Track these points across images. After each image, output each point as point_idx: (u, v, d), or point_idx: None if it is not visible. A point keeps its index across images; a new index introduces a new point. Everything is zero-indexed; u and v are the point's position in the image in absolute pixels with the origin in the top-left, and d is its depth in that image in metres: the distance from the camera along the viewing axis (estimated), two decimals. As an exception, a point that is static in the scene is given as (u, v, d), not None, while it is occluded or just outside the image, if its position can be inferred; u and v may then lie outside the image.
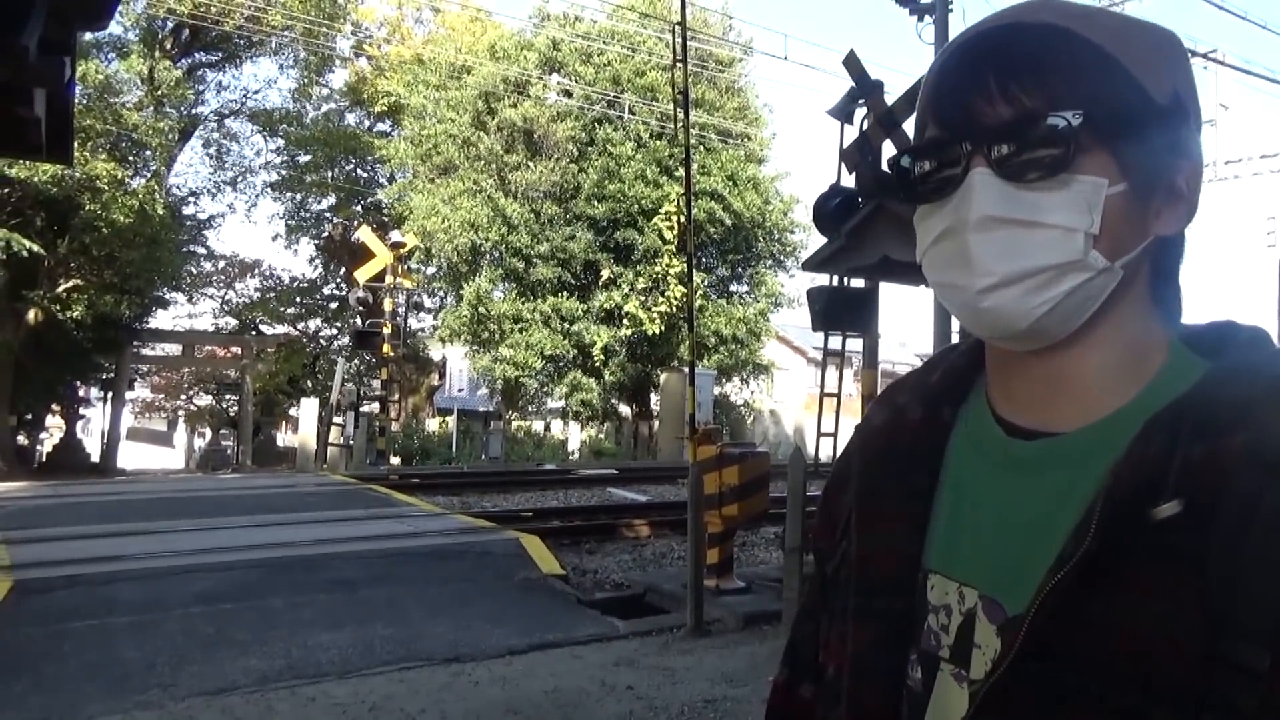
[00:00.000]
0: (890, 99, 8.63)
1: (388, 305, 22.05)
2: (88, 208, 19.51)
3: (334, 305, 31.97)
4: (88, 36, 17.70)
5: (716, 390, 23.42)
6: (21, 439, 24.62)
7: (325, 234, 31.74)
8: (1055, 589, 0.57)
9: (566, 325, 22.20)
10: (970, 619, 0.65)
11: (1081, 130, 0.60)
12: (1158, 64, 0.63)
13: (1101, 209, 0.61)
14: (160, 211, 21.35)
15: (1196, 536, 0.56)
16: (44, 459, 24.94)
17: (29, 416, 25.14)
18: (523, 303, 22.41)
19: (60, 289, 20.85)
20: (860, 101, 8.71)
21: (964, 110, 0.64)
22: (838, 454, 0.85)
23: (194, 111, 26.05)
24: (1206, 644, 0.54)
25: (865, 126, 8.58)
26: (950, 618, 0.66)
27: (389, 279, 21.94)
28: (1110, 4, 18.01)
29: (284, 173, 30.28)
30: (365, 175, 30.92)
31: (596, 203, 22.10)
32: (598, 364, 22.37)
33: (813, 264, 7.94)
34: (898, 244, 6.61)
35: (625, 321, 21.92)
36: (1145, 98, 0.61)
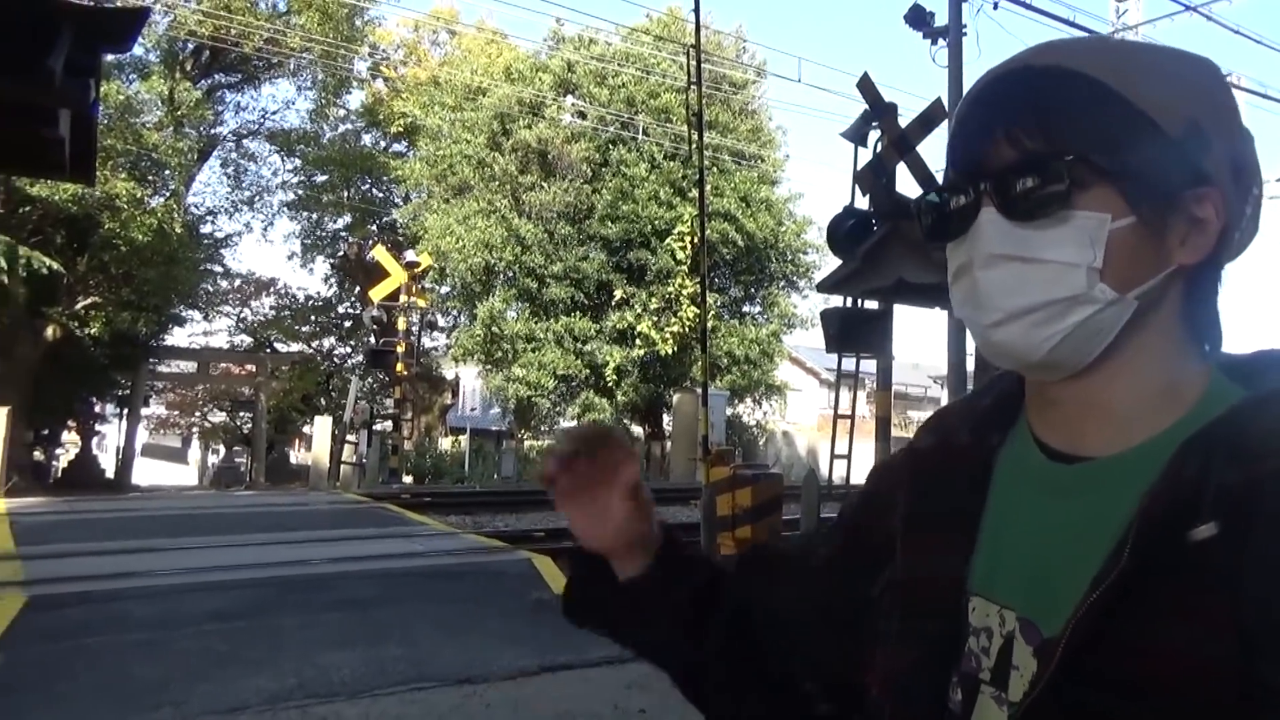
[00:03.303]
0: (904, 121, 8.67)
1: (402, 324, 22.19)
2: (107, 226, 19.73)
3: (348, 324, 32.16)
4: (110, 57, 17.95)
5: (729, 411, 23.37)
6: (38, 454, 24.78)
7: (341, 253, 31.99)
8: (1090, 610, 0.58)
9: (579, 345, 22.24)
10: (1009, 641, 0.66)
11: (1081, 168, 0.62)
12: (1171, 95, 0.64)
13: (1105, 243, 0.62)
14: (178, 230, 21.58)
15: (1232, 559, 0.56)
16: (59, 475, 25.10)
17: (45, 432, 25.32)
18: (536, 322, 22.47)
19: (79, 306, 21.06)
20: (874, 124, 8.74)
21: (974, 155, 0.67)
22: (880, 470, 0.87)
23: (213, 132, 26.37)
24: (1242, 666, 0.54)
25: (879, 149, 8.61)
26: (991, 640, 0.67)
27: (403, 298, 22.08)
28: (1125, 28, 18.06)
29: (300, 192, 30.58)
30: (381, 195, 31.19)
31: (610, 223, 22.19)
32: (610, 384, 22.38)
33: (827, 286, 7.95)
34: (913, 266, 6.61)
35: (638, 342, 21.94)
36: (1153, 130, 0.62)
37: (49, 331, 20.52)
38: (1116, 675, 0.57)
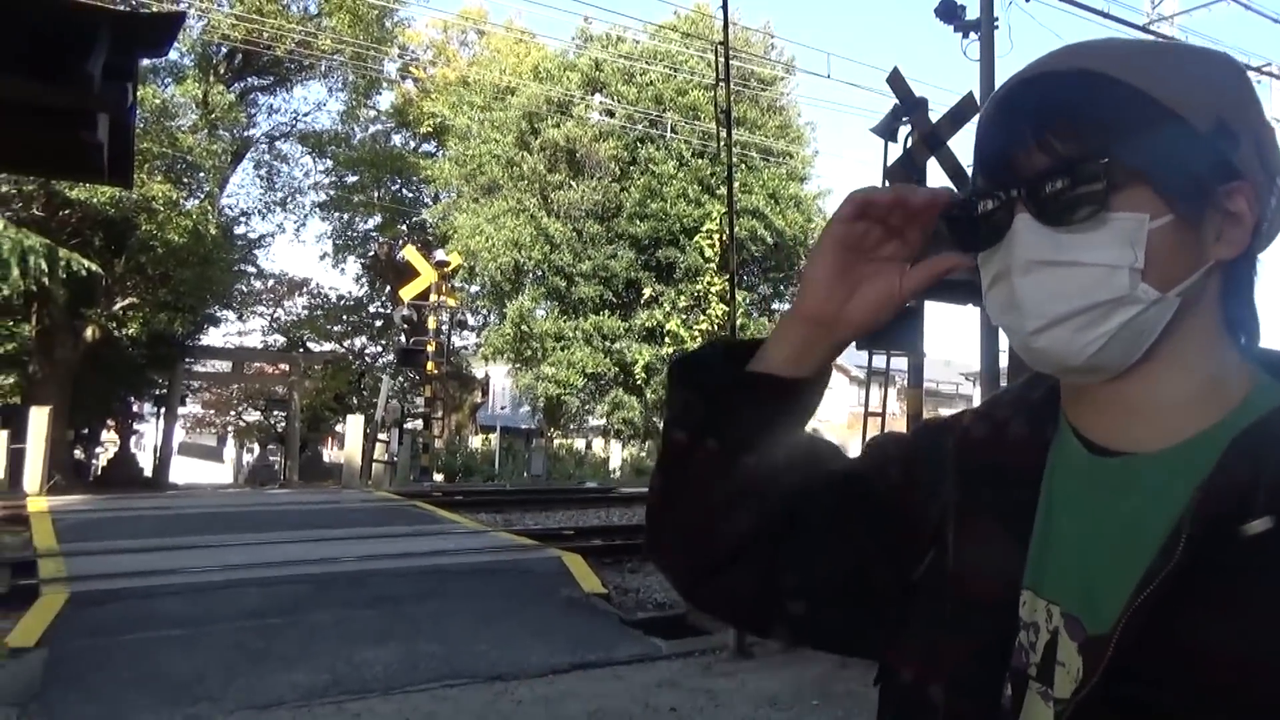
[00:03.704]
0: (935, 116, 8.58)
1: (432, 323, 22.33)
2: (144, 228, 20.07)
3: (379, 323, 32.43)
4: (146, 62, 18.23)
5: (758, 409, 23.28)
6: (78, 453, 25.27)
7: (371, 253, 32.26)
8: (1142, 606, 0.58)
9: (608, 343, 22.29)
10: (1055, 637, 0.66)
11: (1115, 170, 0.62)
12: (1197, 93, 0.64)
13: (1145, 243, 0.62)
14: (213, 231, 21.89)
15: None
16: (99, 473, 25.55)
17: (85, 431, 25.81)
18: (565, 321, 22.54)
19: (117, 307, 21.44)
20: (904, 119, 8.66)
21: (1004, 161, 0.67)
22: (927, 431, 0.82)
23: (246, 134, 26.67)
24: None
25: (910, 144, 8.53)
26: (1038, 635, 0.67)
27: (433, 297, 22.22)
28: (1161, 19, 17.74)
29: (332, 193, 30.87)
30: (411, 195, 31.41)
31: (638, 221, 22.21)
32: (639, 382, 22.40)
33: (857, 282, 7.88)
34: (944, 262, 6.53)
35: (667, 340, 21.93)
36: (1183, 129, 0.62)
37: (88, 332, 20.91)
38: (1168, 671, 0.57)
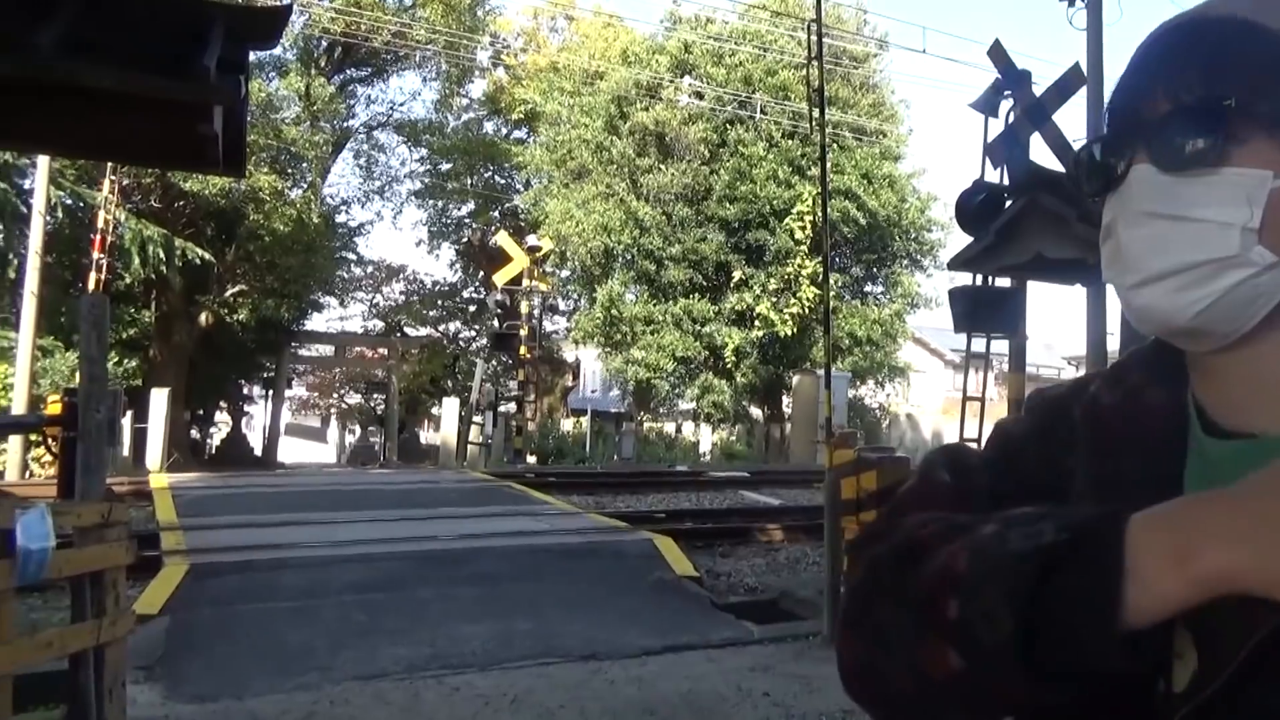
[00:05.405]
0: (1038, 90, 8.23)
1: (524, 308, 22.69)
2: (252, 218, 20.99)
3: (473, 308, 33.16)
4: (251, 57, 18.97)
5: (851, 393, 22.93)
6: (194, 433, 26.63)
7: (465, 239, 32.96)
8: None
9: (698, 327, 22.23)
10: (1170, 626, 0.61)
11: (1242, 121, 0.58)
12: None
13: (1264, 203, 0.58)
14: (316, 220, 22.73)
15: None
16: (214, 452, 26.89)
17: (200, 412, 27.17)
18: (654, 305, 22.58)
19: (228, 293, 22.49)
20: (1006, 93, 8.34)
21: (1132, 108, 0.64)
22: (1049, 405, 0.76)
23: (345, 125, 27.54)
24: None
25: (1012, 119, 8.21)
26: None
27: (525, 282, 22.57)
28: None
29: (427, 181, 31.65)
30: (503, 181, 31.93)
31: (728, 204, 22.03)
32: (729, 366, 22.30)
33: (959, 263, 7.65)
34: (1052, 240, 6.28)
35: (757, 323, 21.76)
36: None
37: (202, 318, 22.01)
38: None
